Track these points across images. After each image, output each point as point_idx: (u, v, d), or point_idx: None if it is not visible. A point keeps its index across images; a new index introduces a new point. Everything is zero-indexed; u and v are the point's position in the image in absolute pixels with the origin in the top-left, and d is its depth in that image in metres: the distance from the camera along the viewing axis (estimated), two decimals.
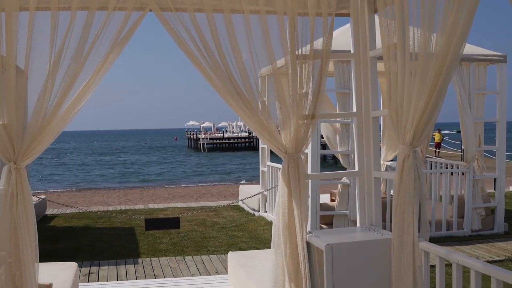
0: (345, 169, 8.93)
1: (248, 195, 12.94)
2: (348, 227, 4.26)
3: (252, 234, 9.95)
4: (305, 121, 4.04)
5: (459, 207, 9.31)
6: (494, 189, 10.16)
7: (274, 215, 4.20)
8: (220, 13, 3.78)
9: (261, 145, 12.12)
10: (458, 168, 9.53)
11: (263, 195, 11.68)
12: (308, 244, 4.16)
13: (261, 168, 11.86)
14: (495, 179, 9.72)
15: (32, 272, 3.52)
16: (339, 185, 9.33)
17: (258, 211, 12.06)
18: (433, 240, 4.31)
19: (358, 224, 4.62)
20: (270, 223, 10.72)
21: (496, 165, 9.44)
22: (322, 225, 9.05)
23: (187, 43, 3.82)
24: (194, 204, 15.03)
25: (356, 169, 4.60)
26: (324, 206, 9.27)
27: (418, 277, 3.68)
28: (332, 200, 10.14)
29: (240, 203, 13.57)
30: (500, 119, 9.29)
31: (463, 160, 9.50)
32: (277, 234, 4.16)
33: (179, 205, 14.94)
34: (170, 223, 5.58)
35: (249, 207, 12.75)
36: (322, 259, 3.95)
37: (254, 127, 4.04)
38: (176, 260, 8.06)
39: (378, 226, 4.51)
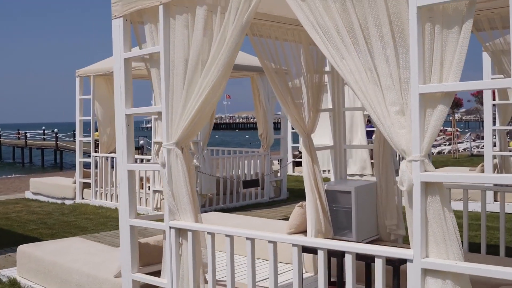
0: None
1: (45, 186, 13.48)
2: (346, 179, 6.16)
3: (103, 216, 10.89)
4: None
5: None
6: (280, 166, 13.26)
7: (305, 174, 6.19)
8: None
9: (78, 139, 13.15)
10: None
11: (81, 183, 12.65)
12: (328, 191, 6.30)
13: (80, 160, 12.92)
14: (280, 160, 12.86)
15: None
16: None
17: (73, 199, 12.86)
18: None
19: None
20: (105, 207, 11.97)
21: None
22: None
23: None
24: None
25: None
26: None
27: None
28: None
29: (29, 195, 14.00)
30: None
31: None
32: (310, 186, 6.18)
33: None
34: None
35: (48, 196, 13.42)
36: (343, 199, 6.16)
37: None
38: None
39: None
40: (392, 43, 2.81)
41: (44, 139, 48.11)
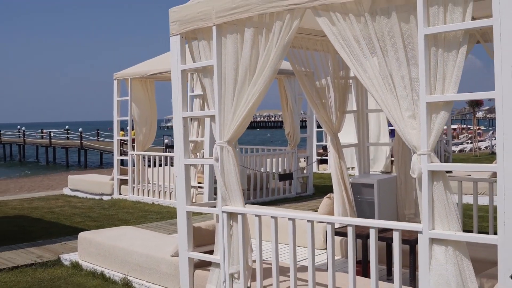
0: None
1: (83, 182, 14.43)
2: (369, 173, 6.96)
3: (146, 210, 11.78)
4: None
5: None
6: (307, 163, 14.03)
7: (332, 169, 6.95)
8: None
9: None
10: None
11: (118, 180, 13.56)
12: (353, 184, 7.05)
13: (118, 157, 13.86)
14: (307, 157, 13.63)
15: None
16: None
17: (110, 194, 13.76)
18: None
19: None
20: (142, 202, 12.84)
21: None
22: None
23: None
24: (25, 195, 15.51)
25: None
26: None
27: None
28: None
29: (68, 191, 14.97)
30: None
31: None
32: (337, 179, 6.93)
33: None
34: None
35: (86, 193, 14.33)
36: (367, 191, 6.91)
37: None
38: None
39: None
40: (405, 62, 3.58)
41: (67, 138, 49.27)
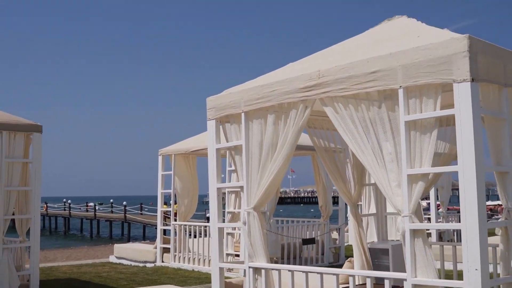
0: None
1: (128, 251, 15.41)
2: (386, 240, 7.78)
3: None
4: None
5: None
6: (339, 234, 14.73)
7: (351, 236, 7.75)
8: None
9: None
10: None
11: (161, 248, 14.52)
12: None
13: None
14: (339, 228, 14.38)
15: None
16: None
17: (153, 262, 14.68)
18: None
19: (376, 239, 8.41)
20: (183, 269, 13.66)
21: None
22: None
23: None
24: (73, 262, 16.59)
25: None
26: None
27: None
28: None
29: (113, 259, 15.94)
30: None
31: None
32: (356, 245, 7.71)
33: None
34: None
35: (131, 260, 15.27)
36: (383, 256, 7.65)
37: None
38: None
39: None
40: (392, 142, 4.50)
41: (112, 212, 50.64)
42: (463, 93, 4.05)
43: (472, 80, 4.03)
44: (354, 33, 6.18)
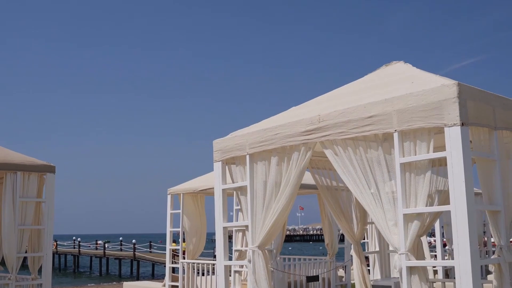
0: None
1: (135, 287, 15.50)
2: (390, 277, 7.89)
3: None
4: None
5: None
6: (345, 272, 14.80)
7: (355, 274, 7.92)
8: None
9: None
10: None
11: (170, 286, 14.63)
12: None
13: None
14: (345, 266, 14.46)
15: None
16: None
17: None
18: None
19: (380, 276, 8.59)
20: None
21: None
22: None
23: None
24: None
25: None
26: None
27: None
28: None
29: None
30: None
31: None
32: (359, 282, 7.88)
33: None
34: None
35: None
36: None
37: None
38: None
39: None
40: (389, 183, 4.73)
41: (121, 250, 50.67)
42: (453, 137, 4.30)
43: (462, 124, 4.28)
44: (357, 73, 6.49)
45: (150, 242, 49.28)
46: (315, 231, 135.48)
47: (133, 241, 46.04)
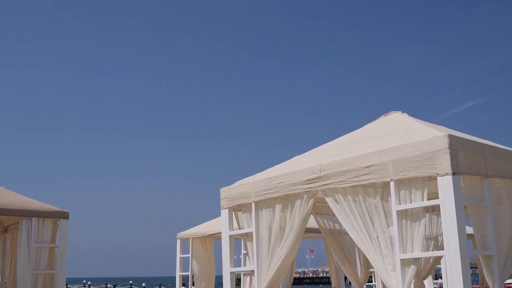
0: None
1: None
2: None
3: None
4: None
5: None
6: None
7: None
8: None
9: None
10: None
11: None
12: None
13: None
14: None
15: None
16: None
17: None
18: None
19: None
20: None
21: None
22: None
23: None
24: None
25: None
26: None
27: None
28: None
29: None
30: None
31: None
32: None
33: None
34: None
35: None
36: None
37: None
38: None
39: None
40: (387, 229, 5.00)
41: None
42: (446, 185, 4.58)
43: (454, 174, 4.56)
44: (359, 120, 6.83)
45: (160, 285, 49.15)
46: (324, 274, 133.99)
47: (143, 284, 45.95)
